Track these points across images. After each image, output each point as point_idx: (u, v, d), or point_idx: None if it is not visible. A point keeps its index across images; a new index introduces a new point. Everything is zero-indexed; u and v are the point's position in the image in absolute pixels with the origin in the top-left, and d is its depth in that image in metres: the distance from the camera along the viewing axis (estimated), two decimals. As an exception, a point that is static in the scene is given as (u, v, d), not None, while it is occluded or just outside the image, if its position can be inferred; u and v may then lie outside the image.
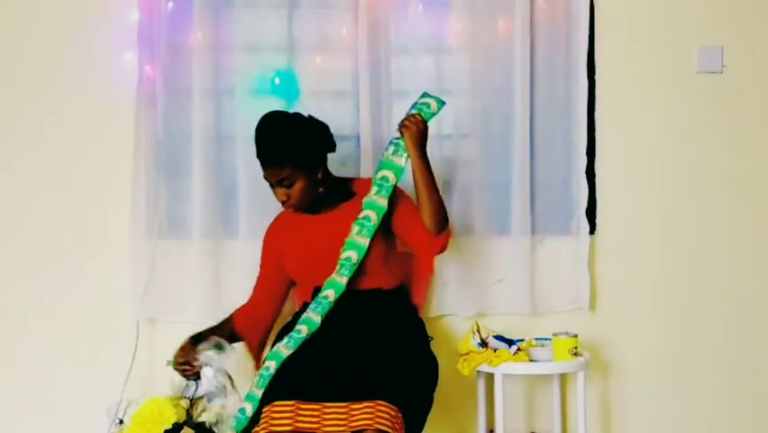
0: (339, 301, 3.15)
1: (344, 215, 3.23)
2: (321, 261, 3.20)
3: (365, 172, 3.55)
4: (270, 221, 3.49)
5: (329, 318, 3.13)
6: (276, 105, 3.53)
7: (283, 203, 3.23)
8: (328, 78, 3.63)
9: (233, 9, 3.57)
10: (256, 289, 3.39)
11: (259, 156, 3.19)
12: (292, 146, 3.16)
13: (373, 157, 3.55)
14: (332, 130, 3.58)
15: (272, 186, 3.20)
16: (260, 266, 3.39)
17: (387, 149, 3.28)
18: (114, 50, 3.55)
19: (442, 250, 3.25)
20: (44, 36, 3.58)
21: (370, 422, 2.79)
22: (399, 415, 2.84)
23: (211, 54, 3.54)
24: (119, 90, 3.54)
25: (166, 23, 3.54)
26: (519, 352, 3.37)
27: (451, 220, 3.32)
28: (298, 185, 3.18)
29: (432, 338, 3.28)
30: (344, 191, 3.31)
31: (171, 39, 3.54)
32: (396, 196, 3.25)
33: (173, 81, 3.55)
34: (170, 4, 3.54)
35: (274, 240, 3.35)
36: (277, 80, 3.59)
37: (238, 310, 3.36)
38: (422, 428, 2.99)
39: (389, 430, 2.78)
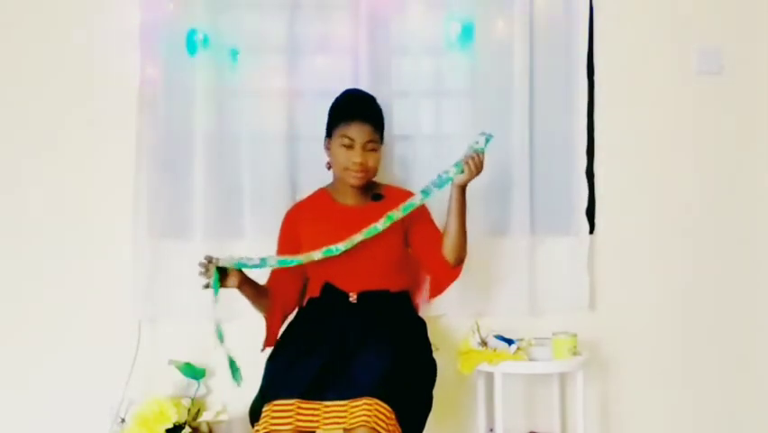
0: (344, 301, 3.17)
1: (369, 212, 3.20)
2: (333, 242, 3.15)
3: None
4: (272, 220, 3.51)
5: (332, 318, 3.14)
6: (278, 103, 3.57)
7: (359, 165, 3.19)
8: (328, 78, 3.63)
9: (235, 10, 3.58)
10: (271, 277, 3.30)
11: (350, 111, 3.23)
12: (381, 115, 3.28)
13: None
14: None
15: (349, 147, 3.18)
16: (277, 248, 3.32)
17: (437, 178, 3.16)
18: (115, 50, 3.56)
19: (455, 280, 3.32)
20: (46, 37, 3.59)
21: (367, 420, 2.80)
22: (394, 417, 2.84)
23: (212, 55, 3.55)
24: (121, 91, 3.55)
25: (168, 23, 3.55)
26: (519, 351, 3.38)
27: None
28: (377, 155, 3.25)
29: (437, 348, 3.29)
30: (375, 191, 3.32)
31: (173, 40, 3.55)
32: (421, 213, 3.26)
33: (175, 82, 3.56)
34: (172, 5, 3.56)
35: (294, 223, 3.30)
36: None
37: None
38: (421, 431, 3.00)
39: (382, 431, 2.79)
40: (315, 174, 3.54)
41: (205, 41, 3.53)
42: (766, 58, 3.84)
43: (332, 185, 3.36)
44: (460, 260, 3.25)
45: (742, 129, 3.83)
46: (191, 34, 3.54)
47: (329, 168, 3.30)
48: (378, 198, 3.29)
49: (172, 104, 3.56)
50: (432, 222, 3.32)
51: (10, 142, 3.60)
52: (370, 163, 3.21)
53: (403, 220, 3.18)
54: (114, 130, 3.58)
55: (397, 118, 3.65)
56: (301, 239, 3.26)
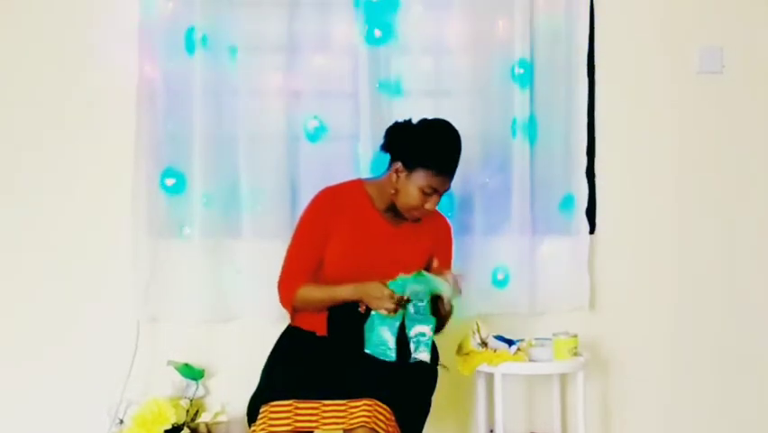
0: (352, 309, 3.08)
1: (403, 233, 3.16)
2: (361, 262, 3.11)
3: (364, 173, 3.55)
4: (271, 220, 3.51)
5: (337, 320, 3.11)
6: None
7: (429, 211, 3.13)
8: (328, 78, 3.62)
9: (234, 9, 3.57)
10: (304, 260, 3.13)
11: (446, 164, 3.07)
12: None
13: (372, 157, 3.56)
14: (331, 130, 3.61)
15: (429, 195, 3.08)
16: (305, 233, 3.14)
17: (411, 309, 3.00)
18: (114, 49, 3.56)
19: None
20: (45, 36, 3.58)
21: (367, 420, 2.78)
22: (393, 419, 2.83)
23: (211, 54, 3.54)
24: (119, 90, 3.54)
25: (166, 22, 3.54)
26: (519, 352, 3.37)
27: (452, 220, 3.38)
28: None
29: (447, 368, 3.22)
30: None
31: (171, 38, 3.55)
32: (445, 250, 3.27)
33: (174, 81, 3.55)
34: (170, 4, 3.55)
35: (329, 212, 3.13)
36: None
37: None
38: None
39: (382, 432, 2.78)
40: (315, 174, 3.55)
41: (204, 39, 3.52)
42: (767, 57, 3.83)
43: (373, 185, 3.20)
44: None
45: (743, 129, 3.82)
46: (189, 33, 3.53)
47: (393, 193, 3.12)
48: (413, 216, 3.17)
49: (171, 103, 3.55)
50: (449, 265, 3.26)
51: (9, 142, 3.59)
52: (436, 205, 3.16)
53: (431, 247, 3.19)
54: (112, 129, 3.58)
55: (397, 118, 3.63)
56: (332, 232, 3.13)
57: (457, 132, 3.13)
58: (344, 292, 3.05)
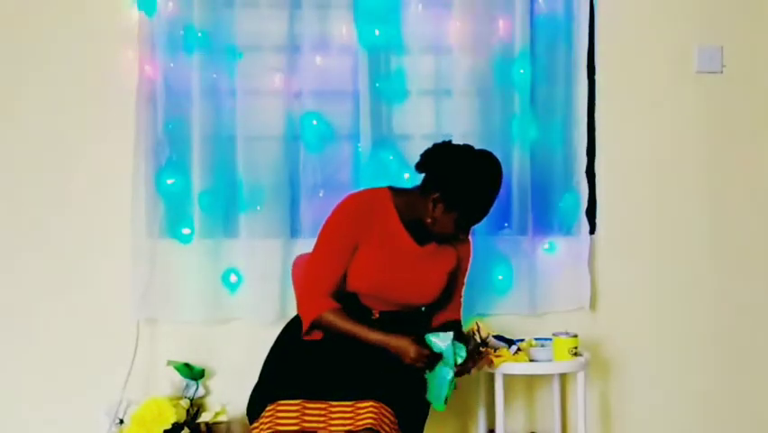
0: (365, 317, 3.08)
1: (429, 253, 3.13)
2: (385, 278, 3.07)
3: (364, 173, 3.56)
4: (270, 221, 3.51)
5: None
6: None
7: (457, 240, 3.17)
8: (328, 78, 3.62)
9: (234, 9, 3.57)
10: (332, 272, 3.05)
11: (484, 211, 3.06)
12: None
13: (372, 157, 3.56)
14: (331, 130, 3.61)
15: (466, 229, 3.11)
16: (334, 242, 3.05)
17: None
18: (114, 49, 3.55)
19: None
20: (44, 35, 3.58)
21: (374, 422, 2.77)
22: (396, 422, 2.83)
23: (211, 54, 3.53)
24: (119, 89, 3.54)
25: (166, 22, 3.54)
26: (519, 352, 3.37)
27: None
28: None
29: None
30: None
31: (171, 38, 3.54)
32: (464, 268, 3.26)
33: (173, 81, 3.54)
34: (170, 3, 3.54)
35: (363, 221, 3.05)
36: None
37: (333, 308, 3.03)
38: None
39: None
40: (314, 175, 3.55)
41: (203, 39, 3.52)
42: (767, 57, 3.83)
43: (402, 196, 3.12)
44: None
45: (743, 129, 3.82)
46: (189, 32, 3.53)
47: (430, 222, 3.06)
48: (443, 241, 3.15)
49: (170, 103, 3.54)
50: (463, 284, 3.28)
51: (7, 141, 3.59)
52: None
53: (454, 269, 3.19)
54: (112, 129, 3.57)
55: (397, 118, 3.64)
56: (360, 242, 3.05)
57: (501, 171, 3.05)
58: (373, 337, 3.01)
